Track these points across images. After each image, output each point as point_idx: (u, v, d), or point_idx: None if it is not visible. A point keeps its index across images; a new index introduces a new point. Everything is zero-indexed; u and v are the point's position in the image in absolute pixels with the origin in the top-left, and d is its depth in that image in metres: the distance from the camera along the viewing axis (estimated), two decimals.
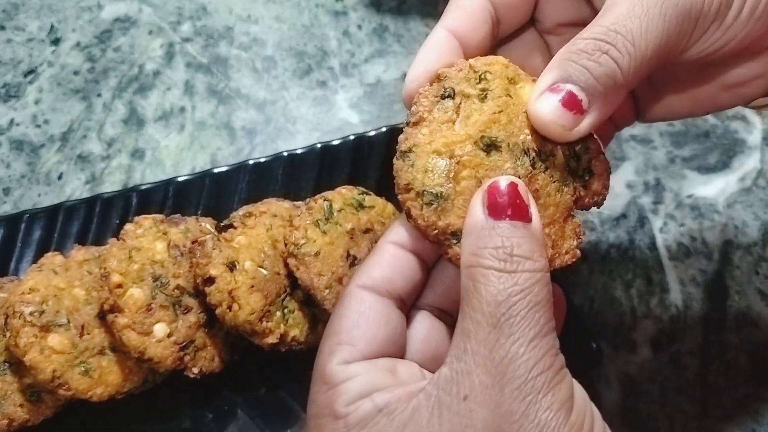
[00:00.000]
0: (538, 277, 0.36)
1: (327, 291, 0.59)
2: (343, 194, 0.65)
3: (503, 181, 0.38)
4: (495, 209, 0.38)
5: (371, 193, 0.67)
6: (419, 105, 0.41)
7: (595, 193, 0.44)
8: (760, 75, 0.45)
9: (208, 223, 0.64)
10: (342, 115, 0.81)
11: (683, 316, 0.69)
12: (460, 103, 0.41)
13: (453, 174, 0.40)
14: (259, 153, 0.77)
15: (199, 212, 0.69)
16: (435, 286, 0.46)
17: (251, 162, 0.70)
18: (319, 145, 0.71)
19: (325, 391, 0.39)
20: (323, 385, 0.39)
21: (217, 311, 0.58)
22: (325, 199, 0.63)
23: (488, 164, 0.40)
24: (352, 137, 0.71)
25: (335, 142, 0.71)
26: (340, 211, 0.63)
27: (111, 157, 0.79)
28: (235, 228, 0.62)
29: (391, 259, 0.43)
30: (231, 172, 0.70)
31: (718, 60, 0.42)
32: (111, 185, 0.77)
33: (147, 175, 0.77)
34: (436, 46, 0.44)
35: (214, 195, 0.69)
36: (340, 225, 0.62)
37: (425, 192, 0.41)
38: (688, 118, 0.52)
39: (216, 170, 0.70)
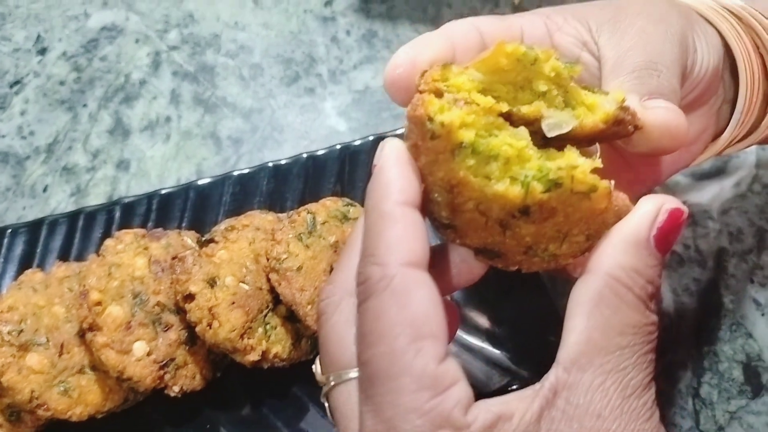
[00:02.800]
0: (657, 334, 0.37)
1: (309, 307, 0.58)
2: (327, 206, 0.64)
3: (684, 212, 0.37)
4: (664, 240, 0.36)
5: (357, 204, 0.66)
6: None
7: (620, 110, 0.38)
8: (705, 128, 0.50)
9: (189, 237, 0.64)
10: (330, 123, 0.80)
11: (676, 326, 0.68)
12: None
13: (455, 204, 0.36)
14: (245, 162, 0.76)
15: (184, 225, 0.69)
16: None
17: (235, 173, 0.69)
18: (304, 155, 0.70)
19: (431, 398, 0.33)
20: (426, 391, 0.33)
21: (197, 329, 0.57)
22: (308, 212, 0.62)
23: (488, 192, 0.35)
24: (338, 147, 0.71)
25: (321, 152, 0.70)
26: (323, 223, 0.62)
27: (96, 169, 0.78)
28: (216, 242, 0.61)
29: (414, 224, 0.35)
30: (215, 184, 0.69)
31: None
32: (96, 197, 0.76)
33: (132, 187, 0.77)
34: (428, 39, 0.41)
35: (198, 207, 0.68)
36: (324, 238, 0.62)
37: (437, 221, 0.38)
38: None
39: (200, 182, 0.70)
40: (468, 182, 0.34)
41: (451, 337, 0.45)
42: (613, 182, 0.35)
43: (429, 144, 0.34)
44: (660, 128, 0.40)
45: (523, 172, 0.34)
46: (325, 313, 0.39)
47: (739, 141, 0.54)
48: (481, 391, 0.58)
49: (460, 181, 0.34)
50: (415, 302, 0.34)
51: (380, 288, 0.34)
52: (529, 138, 0.34)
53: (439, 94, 0.36)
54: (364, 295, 0.35)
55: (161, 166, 0.78)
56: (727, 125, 0.51)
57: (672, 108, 0.41)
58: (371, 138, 0.71)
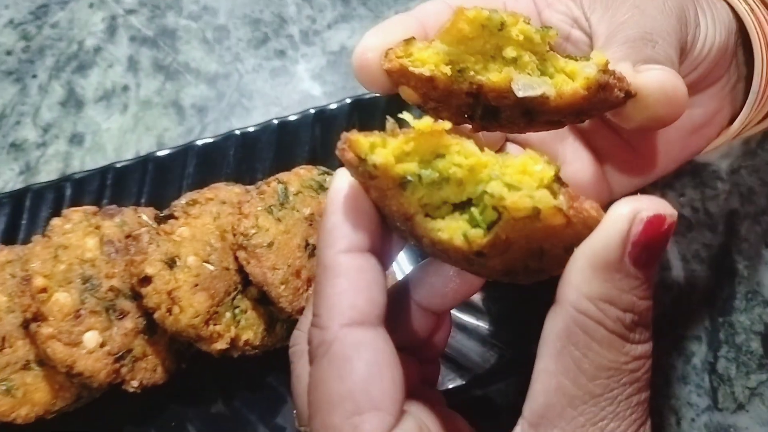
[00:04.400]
0: (648, 365, 0.30)
1: (283, 287, 0.52)
2: (301, 175, 0.58)
3: (667, 217, 0.29)
4: (644, 256, 0.29)
5: (333, 172, 0.60)
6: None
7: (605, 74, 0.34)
8: (717, 110, 0.47)
9: (146, 214, 0.57)
10: (303, 88, 0.74)
11: (687, 296, 0.62)
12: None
13: (416, 236, 0.33)
14: (210, 133, 0.70)
15: (142, 201, 0.62)
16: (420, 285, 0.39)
17: (199, 143, 0.64)
18: (275, 122, 0.65)
19: None
20: None
21: (156, 315, 0.51)
22: (279, 182, 0.57)
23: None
24: (312, 111, 0.65)
25: (293, 118, 0.65)
26: (296, 194, 0.57)
27: (47, 144, 0.71)
28: (176, 218, 0.55)
29: (360, 273, 0.32)
30: (176, 155, 0.63)
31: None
32: (48, 175, 0.69)
33: (87, 163, 0.70)
34: (397, 20, 0.39)
35: (157, 181, 0.63)
36: (297, 210, 0.56)
37: (409, 243, 0.36)
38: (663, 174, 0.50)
39: (159, 153, 0.64)
40: (418, 224, 0.31)
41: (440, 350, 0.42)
42: (563, 198, 0.29)
43: (371, 183, 0.32)
44: (656, 92, 0.35)
45: (479, 187, 0.31)
46: (292, 362, 0.38)
47: (758, 123, 0.50)
48: (476, 372, 0.54)
49: (412, 217, 0.31)
50: (355, 371, 0.30)
51: (319, 354, 0.32)
52: (478, 150, 0.31)
53: (403, 74, 0.34)
54: (310, 359, 0.33)
55: (118, 139, 0.71)
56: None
57: (668, 70, 0.36)
58: (348, 101, 0.65)
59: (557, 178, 0.31)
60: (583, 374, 0.29)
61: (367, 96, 0.65)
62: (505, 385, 0.54)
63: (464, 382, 0.54)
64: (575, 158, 0.46)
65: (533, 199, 0.29)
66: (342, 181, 0.33)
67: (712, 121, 0.48)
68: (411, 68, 0.34)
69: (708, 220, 0.66)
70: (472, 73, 0.34)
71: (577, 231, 0.30)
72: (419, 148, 0.31)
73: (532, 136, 0.41)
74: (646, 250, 0.29)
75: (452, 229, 0.31)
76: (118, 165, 0.63)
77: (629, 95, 0.35)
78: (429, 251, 0.34)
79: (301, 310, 0.52)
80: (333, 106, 0.65)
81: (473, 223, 0.30)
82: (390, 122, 0.32)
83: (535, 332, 0.56)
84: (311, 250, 0.55)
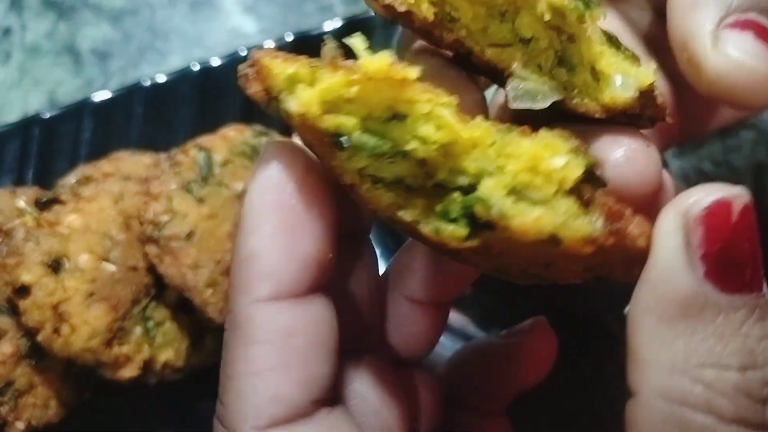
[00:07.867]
0: None
1: (209, 291, 0.46)
2: (229, 139, 0.52)
3: (734, 197, 0.22)
4: (728, 267, 0.21)
5: (274, 132, 0.54)
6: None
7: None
8: None
9: (26, 198, 0.49)
10: (233, 24, 0.67)
11: None
12: None
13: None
14: (117, 85, 0.62)
15: (28, 179, 0.54)
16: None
17: (96, 99, 0.56)
18: (195, 68, 0.58)
19: None
20: None
21: (40, 337, 0.44)
22: (200, 149, 0.49)
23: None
24: (243, 53, 0.58)
25: (218, 62, 0.57)
26: (224, 164, 0.49)
27: None
28: (63, 203, 0.48)
29: (289, 339, 0.23)
30: (67, 117, 0.55)
31: None
32: None
33: None
34: None
35: (44, 152, 0.55)
36: (226, 186, 0.49)
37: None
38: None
39: (46, 115, 0.55)
40: (364, 195, 0.24)
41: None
42: (600, 221, 0.22)
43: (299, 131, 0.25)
44: (732, 81, 0.27)
45: (458, 177, 0.23)
46: None
47: None
48: None
49: (355, 187, 0.24)
50: None
51: None
52: (459, 119, 0.23)
53: None
54: None
55: (0, 98, 0.64)
56: None
57: (756, 52, 0.27)
58: (290, 38, 0.58)
59: (589, 174, 0.22)
60: None
61: (315, 32, 0.58)
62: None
63: None
64: None
65: (553, 223, 0.21)
66: (273, 163, 0.24)
67: None
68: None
69: (731, 176, 0.60)
70: (463, 32, 0.27)
71: (608, 258, 0.23)
72: (368, 95, 0.22)
73: None
74: (725, 258, 0.21)
75: (416, 215, 0.24)
76: None
77: (659, 116, 0.28)
78: (405, 232, 0.27)
79: None
80: (270, 45, 0.58)
81: (449, 215, 0.23)
82: (329, 46, 0.23)
83: None
84: None
